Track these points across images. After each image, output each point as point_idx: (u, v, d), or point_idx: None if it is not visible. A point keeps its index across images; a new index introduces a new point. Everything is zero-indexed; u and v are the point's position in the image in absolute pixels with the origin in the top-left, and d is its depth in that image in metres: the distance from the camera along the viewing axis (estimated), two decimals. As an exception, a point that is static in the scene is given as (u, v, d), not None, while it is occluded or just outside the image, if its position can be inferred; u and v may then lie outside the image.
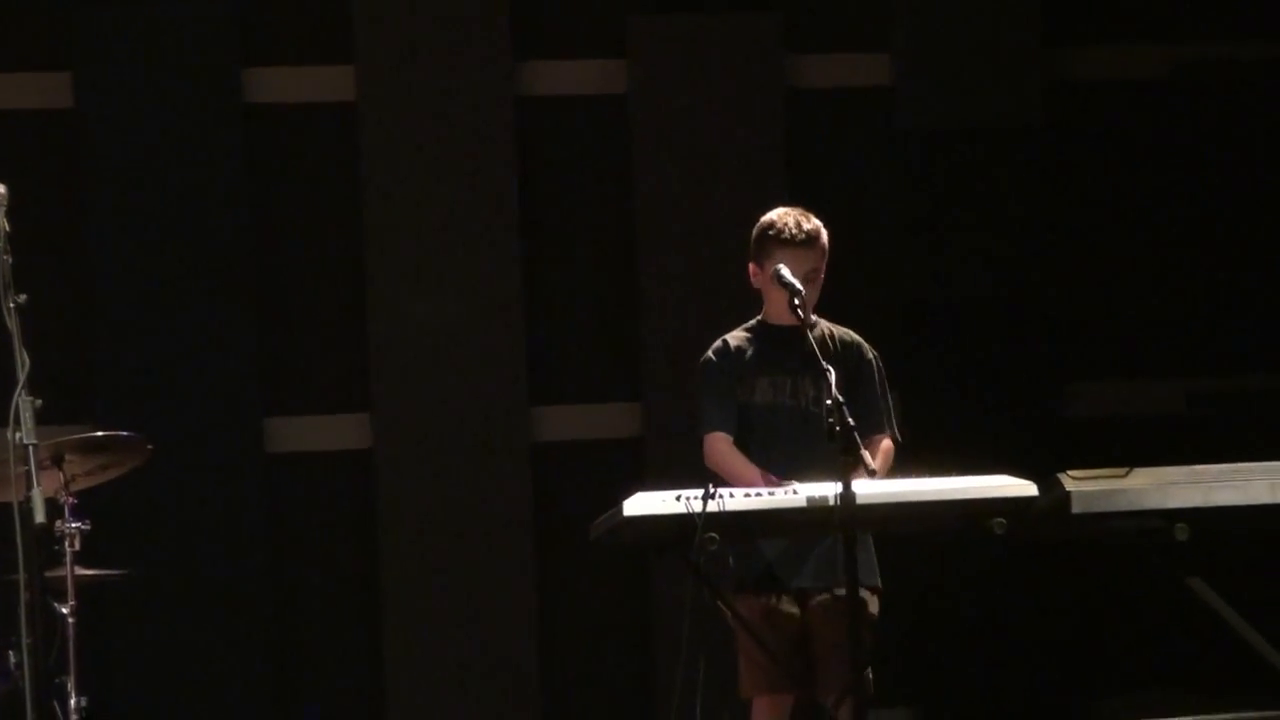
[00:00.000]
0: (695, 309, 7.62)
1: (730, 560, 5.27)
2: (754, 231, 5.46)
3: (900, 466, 5.40)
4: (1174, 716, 5.11)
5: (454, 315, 7.77)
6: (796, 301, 5.26)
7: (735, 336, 5.48)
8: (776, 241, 5.39)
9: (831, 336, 5.38)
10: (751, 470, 5.26)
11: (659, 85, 7.94)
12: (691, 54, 7.94)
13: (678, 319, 7.75)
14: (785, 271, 5.33)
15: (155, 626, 7.53)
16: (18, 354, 4.61)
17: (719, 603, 5.24)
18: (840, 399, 4.96)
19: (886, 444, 5.38)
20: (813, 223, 5.44)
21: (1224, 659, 5.88)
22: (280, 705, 7.66)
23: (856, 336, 5.49)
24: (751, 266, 5.47)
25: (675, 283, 7.85)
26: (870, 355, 5.48)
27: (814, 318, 5.35)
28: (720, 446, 5.34)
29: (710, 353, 5.48)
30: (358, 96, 7.82)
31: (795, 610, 5.35)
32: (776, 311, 5.44)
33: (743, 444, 5.37)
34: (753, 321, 5.51)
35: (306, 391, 7.81)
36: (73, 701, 5.83)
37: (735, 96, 7.92)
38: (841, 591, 5.12)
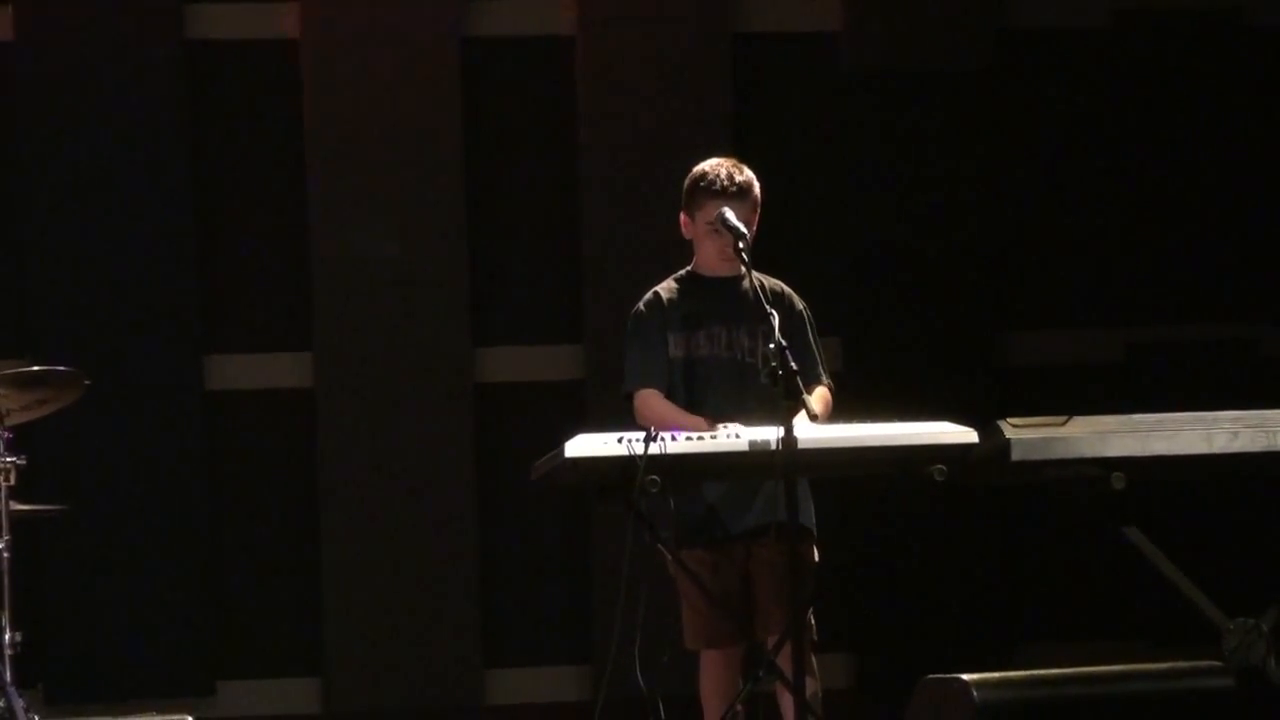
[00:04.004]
0: (639, 252, 7.60)
1: (676, 513, 5.27)
2: (686, 182, 5.42)
3: (842, 412, 5.41)
4: (1108, 663, 5.15)
5: (397, 255, 7.74)
6: (740, 245, 5.23)
7: (666, 288, 5.43)
8: (709, 193, 5.35)
9: (762, 287, 5.33)
10: (693, 417, 5.24)
11: (606, 27, 7.90)
12: (639, -4, 7.91)
13: (621, 262, 7.73)
14: (730, 215, 5.30)
15: (92, 563, 7.50)
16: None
17: (660, 547, 5.24)
18: (783, 343, 4.96)
19: (823, 392, 5.37)
20: (745, 174, 5.39)
21: (1159, 607, 5.93)
22: (216, 642, 7.65)
23: (785, 287, 5.45)
24: (683, 217, 5.44)
25: (619, 226, 7.84)
26: (800, 306, 5.45)
27: (742, 269, 5.31)
28: (653, 402, 5.30)
29: (641, 305, 5.43)
30: (301, 33, 7.76)
31: (738, 561, 5.35)
32: (707, 262, 5.41)
33: (672, 398, 5.34)
34: (682, 273, 5.47)
35: (247, 329, 7.77)
36: (7, 637, 5.81)
37: (683, 39, 7.90)
38: (781, 536, 5.13)
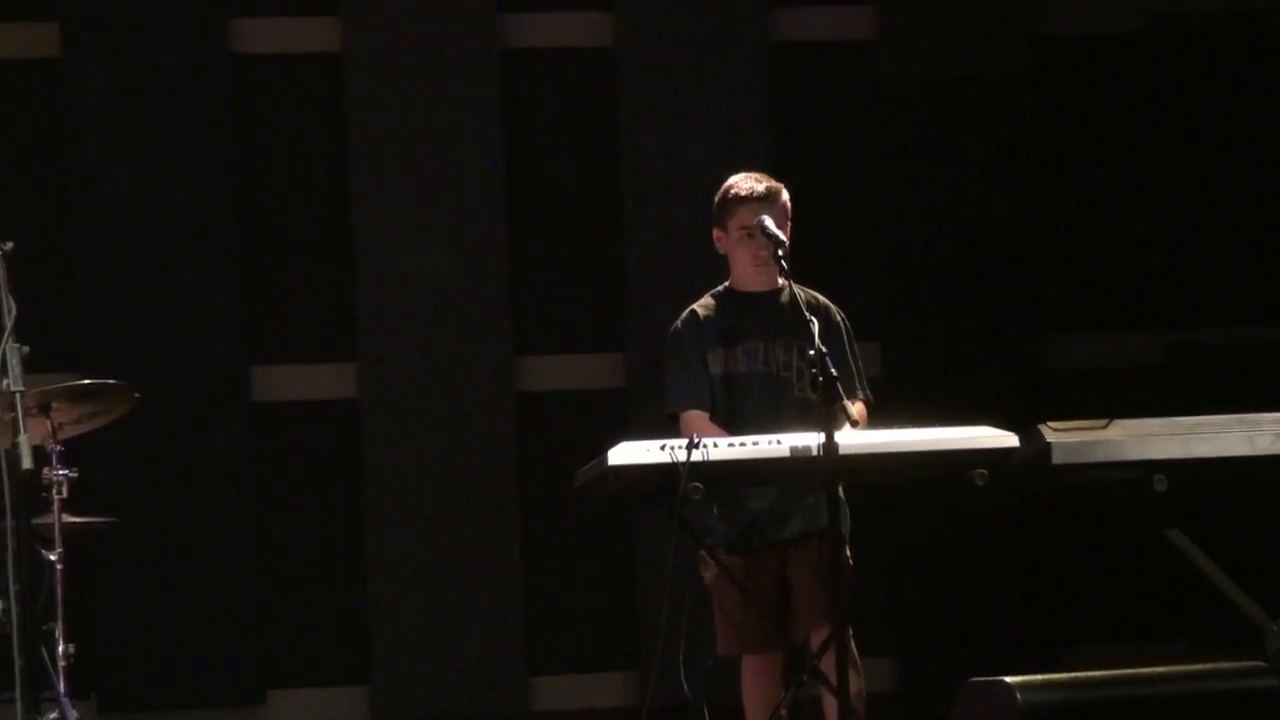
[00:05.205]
0: (679, 261, 7.64)
1: (719, 526, 5.29)
2: (716, 198, 5.46)
3: (881, 417, 5.43)
4: (1152, 665, 5.15)
5: (440, 266, 7.78)
6: (780, 252, 5.26)
7: (703, 306, 5.45)
8: (738, 200, 5.38)
9: (796, 299, 5.35)
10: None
11: (644, 38, 7.94)
12: (677, 7, 7.94)
13: (662, 270, 7.77)
14: (769, 223, 5.33)
15: (142, 574, 7.57)
16: (5, 301, 4.63)
17: (702, 552, 5.27)
18: (823, 349, 4.98)
19: (860, 406, 5.38)
20: (773, 182, 5.44)
21: (1202, 609, 5.93)
22: (265, 652, 7.70)
23: (823, 298, 5.47)
24: (716, 232, 5.46)
25: (659, 234, 7.87)
26: (838, 317, 5.46)
27: (780, 280, 5.34)
28: (698, 425, 5.30)
29: (679, 324, 5.45)
30: (343, 48, 7.81)
31: (773, 566, 5.37)
32: (743, 274, 5.43)
33: (712, 413, 5.37)
34: (720, 289, 5.49)
35: (292, 341, 7.83)
36: (60, 648, 5.85)
37: (720, 50, 7.93)
38: (822, 541, 5.14)
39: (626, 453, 4.97)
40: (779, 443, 5.00)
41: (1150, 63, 8.22)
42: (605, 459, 4.99)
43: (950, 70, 8.04)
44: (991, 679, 4.87)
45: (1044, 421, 5.14)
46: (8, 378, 4.62)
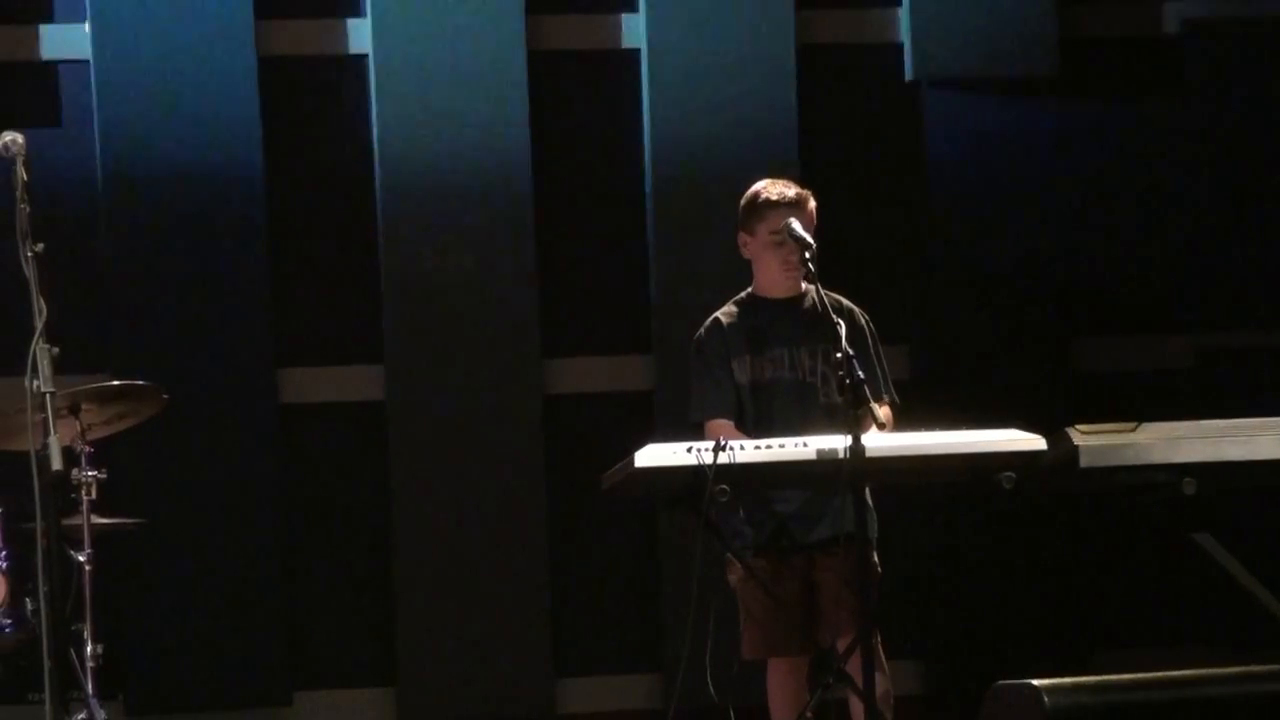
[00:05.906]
0: (706, 263, 7.64)
1: (746, 528, 5.30)
2: (742, 202, 5.47)
3: (909, 420, 5.42)
4: (1180, 668, 5.15)
5: (467, 268, 7.80)
6: (808, 255, 5.26)
7: (727, 313, 5.46)
8: (770, 205, 5.40)
9: (824, 303, 5.36)
10: None
11: (672, 40, 7.95)
12: (705, 10, 7.94)
13: (689, 273, 7.77)
14: (796, 226, 5.34)
15: (170, 575, 7.59)
16: (35, 302, 4.65)
17: (729, 555, 5.27)
18: (850, 352, 4.99)
19: (886, 409, 5.38)
20: (801, 188, 5.46)
21: (1232, 612, 5.92)
22: (292, 653, 7.72)
23: (847, 301, 5.48)
24: (741, 236, 5.47)
25: (687, 237, 7.87)
26: (862, 320, 5.47)
27: (804, 285, 5.34)
28: (723, 432, 5.31)
29: (703, 332, 5.47)
30: (371, 49, 7.83)
31: (800, 570, 5.37)
32: (770, 279, 5.44)
33: (739, 422, 5.37)
34: (743, 295, 5.50)
35: (320, 343, 7.85)
36: (89, 649, 5.88)
37: (748, 52, 7.93)
38: (849, 545, 5.15)
39: (653, 455, 4.99)
40: (805, 445, 5.01)
41: (1181, 66, 8.20)
42: (632, 461, 5.00)
43: (979, 73, 8.03)
44: (1018, 682, 4.88)
45: (1072, 424, 5.14)
46: (38, 379, 4.64)
